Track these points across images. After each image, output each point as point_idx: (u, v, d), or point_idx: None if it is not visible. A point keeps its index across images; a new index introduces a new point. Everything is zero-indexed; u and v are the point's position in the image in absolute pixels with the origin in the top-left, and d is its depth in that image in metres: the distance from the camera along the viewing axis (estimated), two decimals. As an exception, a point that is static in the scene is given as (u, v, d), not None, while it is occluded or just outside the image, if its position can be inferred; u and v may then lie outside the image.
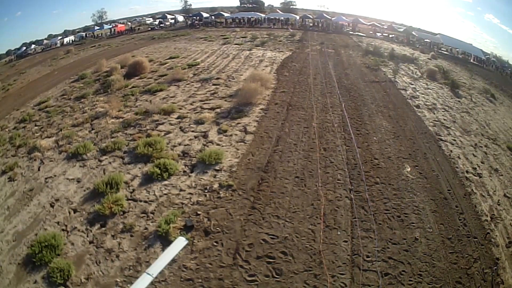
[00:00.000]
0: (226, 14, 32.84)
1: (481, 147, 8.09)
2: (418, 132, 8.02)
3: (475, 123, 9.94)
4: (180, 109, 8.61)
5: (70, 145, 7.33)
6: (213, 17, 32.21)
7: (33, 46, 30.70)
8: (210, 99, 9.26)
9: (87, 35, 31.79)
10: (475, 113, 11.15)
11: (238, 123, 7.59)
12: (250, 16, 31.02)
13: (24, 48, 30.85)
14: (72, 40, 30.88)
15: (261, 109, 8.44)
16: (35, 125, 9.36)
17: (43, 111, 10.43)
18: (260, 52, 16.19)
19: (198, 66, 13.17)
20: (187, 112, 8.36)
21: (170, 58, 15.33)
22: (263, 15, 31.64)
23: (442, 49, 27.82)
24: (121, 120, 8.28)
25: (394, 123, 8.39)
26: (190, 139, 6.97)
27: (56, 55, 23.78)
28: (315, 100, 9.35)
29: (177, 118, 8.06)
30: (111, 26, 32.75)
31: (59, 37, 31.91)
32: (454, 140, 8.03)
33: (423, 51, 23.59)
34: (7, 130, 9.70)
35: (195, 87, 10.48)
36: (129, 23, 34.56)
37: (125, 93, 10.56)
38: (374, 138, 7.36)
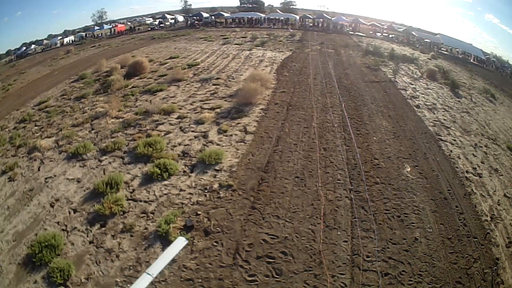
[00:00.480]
0: (226, 14, 32.84)
1: (481, 147, 8.08)
2: (418, 132, 8.02)
3: (475, 123, 9.93)
4: (180, 109, 8.61)
5: (70, 145, 7.33)
6: (213, 17, 32.23)
7: (33, 46, 30.70)
8: (210, 99, 9.26)
9: (87, 35, 31.76)
10: (475, 113, 11.13)
11: (238, 123, 7.59)
12: (250, 16, 31.03)
13: (24, 48, 30.85)
14: (72, 40, 30.85)
15: (261, 109, 8.44)
16: (35, 125, 9.36)
17: (43, 111, 10.43)
18: (260, 52, 16.19)
19: (198, 66, 13.18)
20: (187, 112, 8.36)
21: (170, 58, 15.33)
22: (263, 15, 31.66)
23: (442, 49, 27.83)
24: (121, 120, 8.28)
25: (394, 123, 8.38)
26: (190, 139, 6.97)
27: (56, 55, 23.79)
28: (315, 100, 9.35)
29: (177, 118, 8.06)
30: (111, 26, 32.74)
31: (59, 37, 31.89)
32: (454, 140, 8.03)
33: (423, 51, 23.59)
34: (7, 130, 9.70)
35: (195, 87, 10.48)
36: (129, 23, 34.52)
37: (125, 93, 10.56)
38: (374, 138, 7.35)
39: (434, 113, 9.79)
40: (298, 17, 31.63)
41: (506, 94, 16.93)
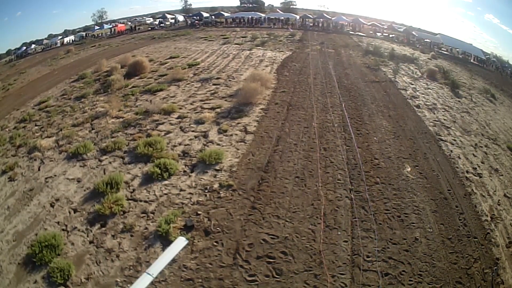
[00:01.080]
0: (226, 14, 32.82)
1: (481, 147, 8.08)
2: (418, 132, 8.02)
3: (475, 123, 9.92)
4: (180, 109, 8.61)
5: (70, 145, 7.34)
6: (213, 17, 32.23)
7: (33, 46, 30.70)
8: (210, 99, 9.26)
9: (87, 35, 31.73)
10: (475, 113, 11.11)
11: (238, 123, 7.58)
12: (250, 16, 31.02)
13: (24, 48, 30.85)
14: (72, 40, 30.82)
15: (261, 109, 8.44)
16: (35, 125, 9.36)
17: (43, 111, 10.43)
18: (260, 52, 16.17)
19: (198, 66, 13.17)
20: (187, 112, 8.35)
21: (170, 58, 15.33)
22: (263, 15, 31.65)
23: (443, 49, 27.82)
24: (121, 120, 8.28)
25: (394, 123, 8.38)
26: (190, 139, 6.97)
27: (56, 55, 23.79)
28: (315, 100, 9.35)
29: (177, 118, 8.06)
30: (111, 26, 32.70)
31: (59, 37, 31.89)
32: (454, 140, 8.02)
33: (423, 51, 23.58)
34: (7, 130, 9.70)
35: (195, 87, 10.47)
36: (129, 23, 34.47)
37: (125, 93, 10.56)
38: (374, 138, 7.35)
39: (434, 113, 9.78)
40: (298, 17, 31.63)
41: (506, 94, 16.91)
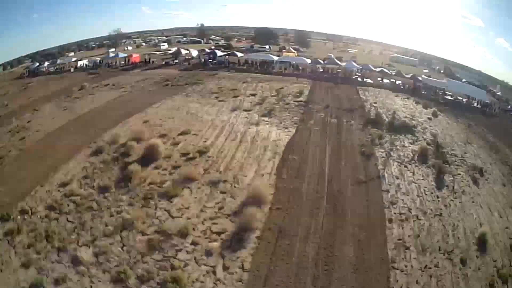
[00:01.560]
0: (239, 54, 33.91)
1: (430, 268, 8.50)
2: (376, 262, 8.36)
3: (439, 232, 10.16)
4: (193, 229, 9.92)
5: (109, 263, 8.69)
6: (227, 56, 33.29)
7: (46, 63, 31.58)
8: (218, 217, 10.55)
9: (101, 62, 32.30)
10: (447, 214, 11.33)
11: (238, 257, 8.80)
12: (261, 59, 31.77)
13: (38, 64, 31.84)
14: (86, 65, 31.56)
15: (256, 236, 9.66)
16: (67, 220, 10.45)
17: (70, 200, 11.35)
18: (266, 130, 17.34)
19: (208, 156, 14.41)
20: (198, 236, 9.71)
21: (182, 133, 16.67)
22: (275, 58, 32.40)
23: (448, 95, 28.61)
24: (146, 237, 9.67)
25: (359, 251, 8.81)
26: (203, 275, 8.32)
27: (69, 89, 24.60)
28: (304, 222, 10.42)
29: (191, 244, 9.37)
30: (125, 56, 33.08)
31: (73, 59, 32.65)
32: (406, 266, 8.46)
33: (426, 106, 24.43)
34: (39, 216, 10.62)
35: (205, 194, 11.75)
36: (145, 55, 34.37)
37: (144, 192, 11.82)
38: (337, 274, 8.14)
39: (403, 228, 9.99)
40: (309, 61, 32.29)
41: (501, 155, 17.27)
